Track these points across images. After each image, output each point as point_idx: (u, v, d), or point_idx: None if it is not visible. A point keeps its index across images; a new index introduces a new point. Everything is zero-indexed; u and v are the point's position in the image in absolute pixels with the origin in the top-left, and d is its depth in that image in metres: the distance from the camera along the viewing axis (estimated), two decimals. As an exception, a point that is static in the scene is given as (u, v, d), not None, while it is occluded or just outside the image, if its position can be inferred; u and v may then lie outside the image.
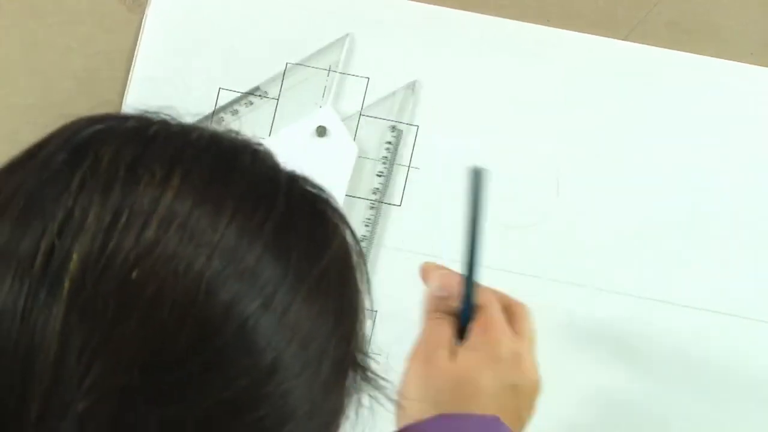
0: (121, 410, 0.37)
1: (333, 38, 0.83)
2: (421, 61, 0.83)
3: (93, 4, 0.83)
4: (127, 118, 0.43)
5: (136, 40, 0.83)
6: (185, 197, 0.39)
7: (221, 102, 0.83)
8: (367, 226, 0.81)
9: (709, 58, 0.83)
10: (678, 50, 0.83)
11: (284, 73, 0.83)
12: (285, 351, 0.40)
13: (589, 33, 0.83)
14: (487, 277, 0.63)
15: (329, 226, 0.44)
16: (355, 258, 0.45)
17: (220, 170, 0.41)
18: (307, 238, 0.42)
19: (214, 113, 0.82)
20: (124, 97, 0.81)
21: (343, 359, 0.43)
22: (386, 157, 0.82)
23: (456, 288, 0.63)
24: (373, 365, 0.46)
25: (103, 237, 0.38)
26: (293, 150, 0.79)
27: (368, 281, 0.46)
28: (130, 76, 0.82)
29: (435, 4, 0.83)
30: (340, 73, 0.83)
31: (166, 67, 0.83)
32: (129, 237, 0.38)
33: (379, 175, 0.82)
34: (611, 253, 0.80)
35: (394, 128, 0.82)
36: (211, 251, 0.39)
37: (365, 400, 0.46)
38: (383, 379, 0.46)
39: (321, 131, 0.82)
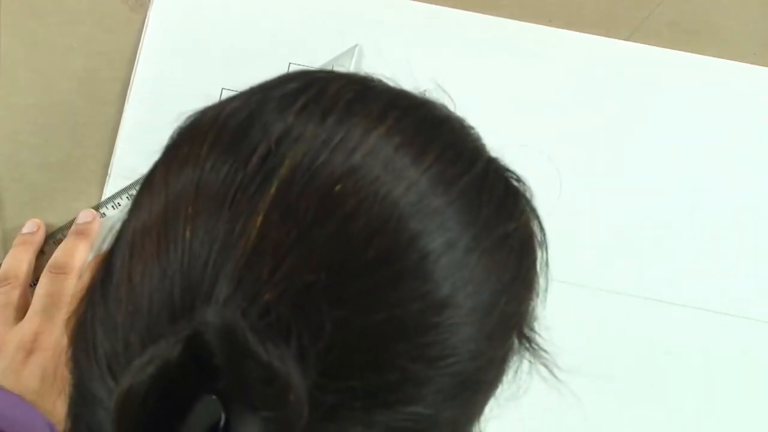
0: (303, 305, 0.39)
1: (333, 38, 0.83)
2: (421, 61, 0.83)
3: (94, 4, 0.83)
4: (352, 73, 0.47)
5: (138, 40, 0.83)
6: (394, 135, 0.43)
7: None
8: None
9: (710, 58, 0.82)
10: (679, 50, 0.83)
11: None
12: (460, 290, 0.42)
13: (590, 33, 0.83)
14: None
15: (519, 205, 0.47)
16: (537, 243, 0.49)
17: (429, 124, 0.45)
18: (497, 203, 0.45)
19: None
20: (127, 97, 0.81)
21: (511, 318, 0.46)
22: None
23: None
24: (537, 339, 0.49)
25: (315, 151, 0.41)
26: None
27: (547, 268, 0.49)
28: (132, 75, 0.82)
29: (435, 4, 0.83)
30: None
31: (169, 67, 0.83)
32: (338, 156, 0.41)
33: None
34: (611, 253, 0.80)
35: None
36: (409, 185, 0.42)
37: (525, 365, 0.49)
38: (545, 351, 0.50)
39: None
